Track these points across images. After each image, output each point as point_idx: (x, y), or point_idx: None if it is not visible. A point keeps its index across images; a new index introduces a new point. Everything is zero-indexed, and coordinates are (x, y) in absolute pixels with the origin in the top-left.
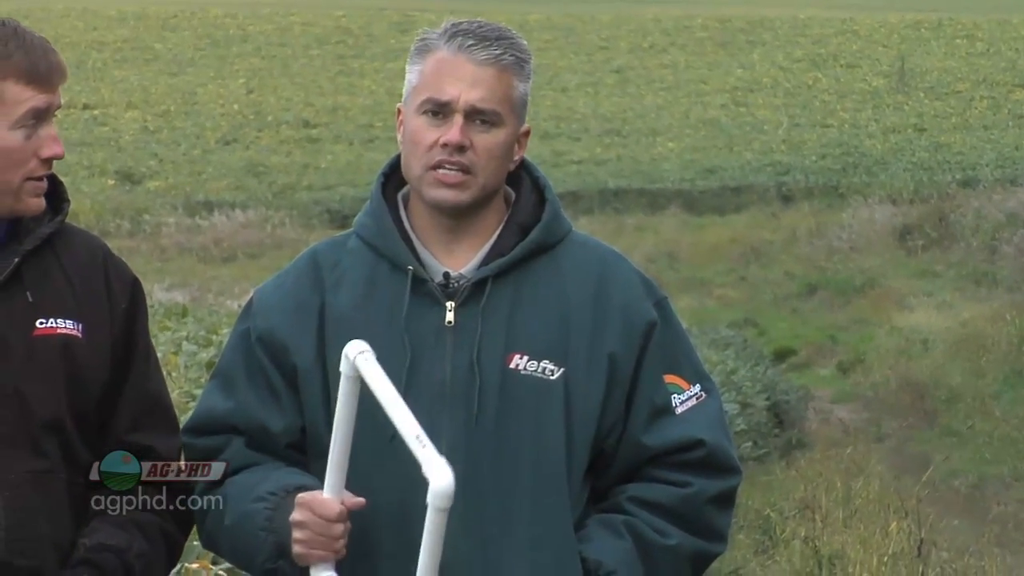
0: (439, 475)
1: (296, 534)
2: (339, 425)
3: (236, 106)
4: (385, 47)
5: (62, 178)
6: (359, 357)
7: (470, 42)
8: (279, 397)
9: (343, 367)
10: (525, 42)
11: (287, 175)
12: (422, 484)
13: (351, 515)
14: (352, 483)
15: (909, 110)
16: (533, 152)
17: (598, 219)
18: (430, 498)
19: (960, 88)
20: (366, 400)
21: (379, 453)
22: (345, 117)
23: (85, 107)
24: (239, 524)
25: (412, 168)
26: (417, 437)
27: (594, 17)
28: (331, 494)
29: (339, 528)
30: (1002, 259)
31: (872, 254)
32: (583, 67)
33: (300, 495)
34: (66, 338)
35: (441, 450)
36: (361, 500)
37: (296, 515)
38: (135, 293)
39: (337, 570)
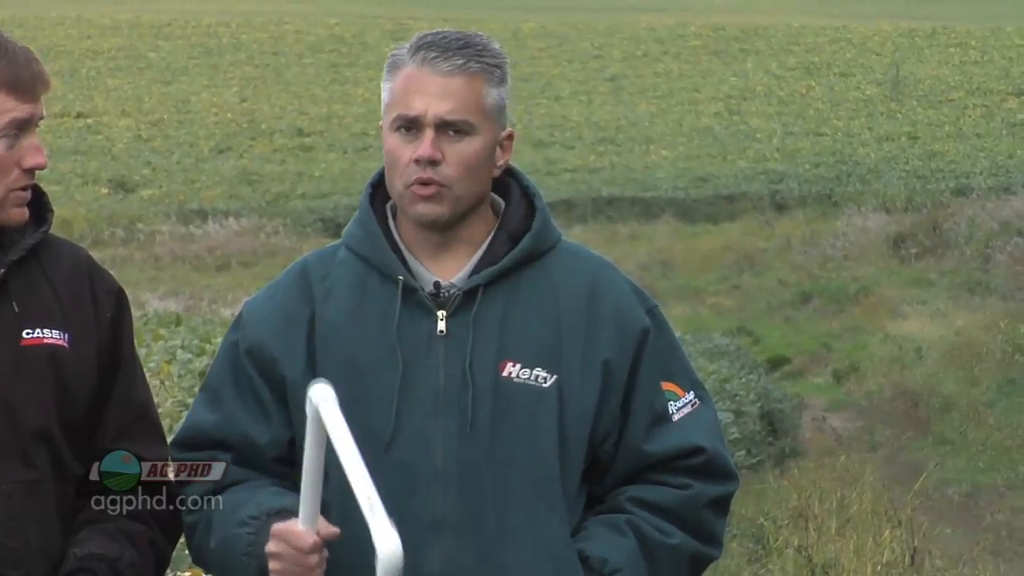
0: (387, 544)
1: (272, 565)
2: (309, 457)
3: (230, 114)
4: (379, 55)
5: (55, 187)
6: (323, 406)
7: (433, 54)
8: (267, 410)
9: (308, 408)
10: (496, 46)
11: (281, 183)
12: (419, 495)
13: (335, 547)
14: (336, 515)
15: (903, 118)
16: (526, 160)
17: (591, 227)
18: (379, 567)
19: (953, 96)
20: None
21: (373, 465)
22: (339, 125)
23: (79, 115)
24: (224, 547)
25: (394, 185)
26: (368, 499)
27: (588, 25)
28: (306, 525)
29: (314, 559)
30: (995, 267)
31: (866, 262)
32: (577, 75)
33: (275, 526)
34: (53, 348)
35: (436, 459)
36: (335, 530)
37: (271, 546)
38: (120, 303)
39: None
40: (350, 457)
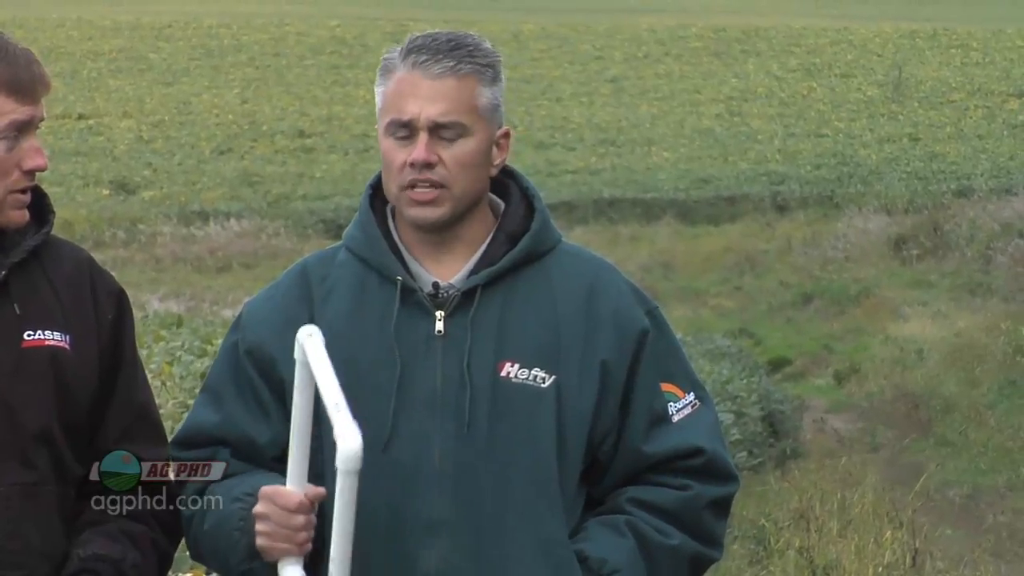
0: (348, 438)
1: (259, 526)
2: (297, 415)
3: (231, 116)
4: (379, 57)
5: (56, 188)
6: (307, 340)
7: (423, 58)
8: (267, 410)
9: (296, 353)
10: (488, 46)
11: (282, 185)
12: (416, 495)
13: (326, 512)
14: (329, 480)
15: (904, 120)
16: (527, 162)
17: (592, 229)
18: (338, 461)
19: (955, 98)
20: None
21: (370, 465)
22: (340, 127)
23: (80, 117)
24: (217, 526)
25: (389, 189)
26: (336, 404)
27: (589, 27)
28: (293, 485)
29: (300, 519)
30: (996, 269)
31: (867, 264)
32: (578, 77)
33: (263, 488)
34: (54, 349)
35: (433, 459)
36: (322, 490)
37: (258, 507)
38: (121, 304)
39: (306, 570)
40: (325, 375)
